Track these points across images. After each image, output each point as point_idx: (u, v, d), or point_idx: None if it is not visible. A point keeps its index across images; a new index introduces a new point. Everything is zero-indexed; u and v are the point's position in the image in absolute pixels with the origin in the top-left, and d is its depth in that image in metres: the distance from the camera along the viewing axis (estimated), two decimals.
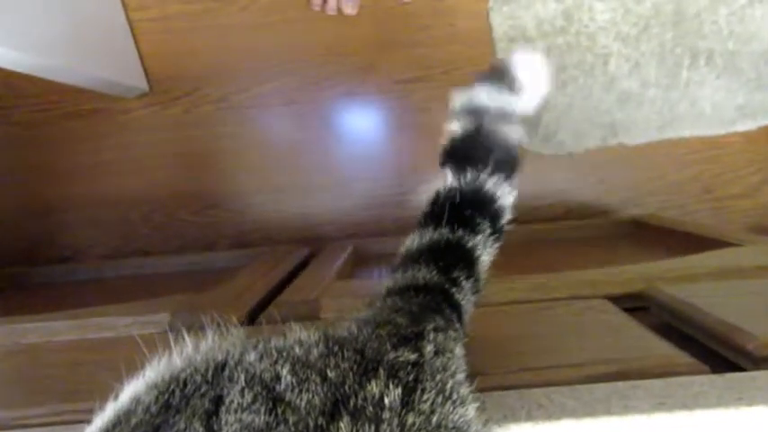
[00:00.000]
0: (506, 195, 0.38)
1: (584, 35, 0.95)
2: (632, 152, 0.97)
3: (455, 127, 0.39)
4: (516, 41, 0.95)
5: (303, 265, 0.79)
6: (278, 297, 0.59)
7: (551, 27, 0.96)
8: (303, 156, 1.00)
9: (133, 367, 0.27)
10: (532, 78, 0.39)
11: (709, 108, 0.95)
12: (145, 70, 0.97)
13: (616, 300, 0.49)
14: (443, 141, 0.40)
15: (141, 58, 0.97)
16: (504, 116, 0.39)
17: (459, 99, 0.40)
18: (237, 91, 0.99)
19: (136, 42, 0.97)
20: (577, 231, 0.92)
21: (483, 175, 0.37)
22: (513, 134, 0.39)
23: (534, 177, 0.98)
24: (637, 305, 0.49)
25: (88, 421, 0.26)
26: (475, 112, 0.39)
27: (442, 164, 0.39)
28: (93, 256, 1.00)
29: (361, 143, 1.00)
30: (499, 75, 0.40)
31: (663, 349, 0.37)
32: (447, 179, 0.38)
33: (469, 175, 0.37)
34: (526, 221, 0.96)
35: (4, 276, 0.92)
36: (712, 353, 0.38)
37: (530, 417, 0.29)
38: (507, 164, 0.38)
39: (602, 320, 0.44)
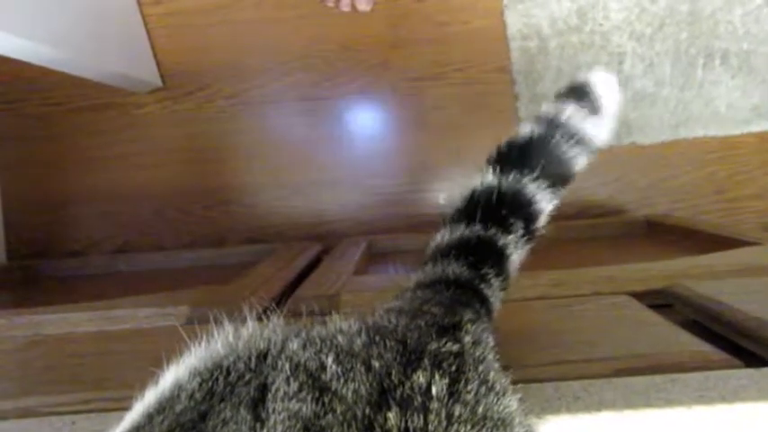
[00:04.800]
0: (545, 201, 0.37)
1: (599, 34, 0.95)
2: (646, 152, 0.97)
3: (525, 130, 0.38)
4: (530, 39, 0.95)
5: (315, 261, 0.79)
6: (295, 292, 0.59)
7: (565, 25, 0.95)
8: (315, 152, 1.00)
9: (161, 357, 0.27)
10: (608, 100, 0.38)
11: (724, 108, 0.95)
12: (158, 65, 0.97)
13: (637, 297, 0.49)
14: (502, 141, 0.39)
15: (155, 53, 0.97)
16: (579, 139, 0.38)
17: (545, 108, 0.39)
18: (251, 87, 0.98)
19: (149, 37, 0.97)
20: (590, 231, 0.91)
21: (525, 179, 0.37)
22: (579, 159, 0.38)
23: None
24: (657, 302, 0.49)
25: (118, 409, 0.26)
26: (550, 123, 0.38)
27: (493, 162, 0.38)
28: (105, 250, 1.00)
29: (373, 140, 1.00)
30: (581, 94, 0.39)
31: (695, 345, 0.37)
32: (487, 177, 0.38)
33: (512, 177, 0.37)
34: None
35: (17, 269, 0.92)
36: (740, 350, 0.38)
37: (568, 409, 0.29)
38: (557, 177, 0.38)
39: (628, 316, 0.44)
